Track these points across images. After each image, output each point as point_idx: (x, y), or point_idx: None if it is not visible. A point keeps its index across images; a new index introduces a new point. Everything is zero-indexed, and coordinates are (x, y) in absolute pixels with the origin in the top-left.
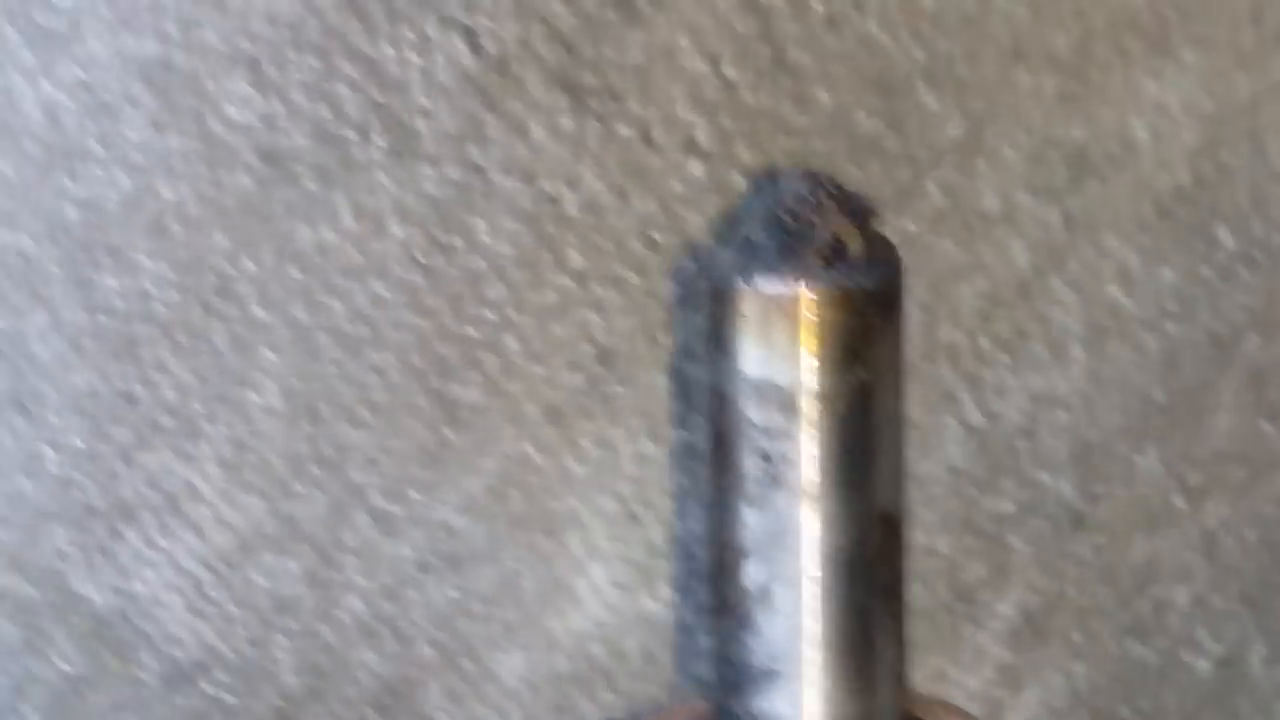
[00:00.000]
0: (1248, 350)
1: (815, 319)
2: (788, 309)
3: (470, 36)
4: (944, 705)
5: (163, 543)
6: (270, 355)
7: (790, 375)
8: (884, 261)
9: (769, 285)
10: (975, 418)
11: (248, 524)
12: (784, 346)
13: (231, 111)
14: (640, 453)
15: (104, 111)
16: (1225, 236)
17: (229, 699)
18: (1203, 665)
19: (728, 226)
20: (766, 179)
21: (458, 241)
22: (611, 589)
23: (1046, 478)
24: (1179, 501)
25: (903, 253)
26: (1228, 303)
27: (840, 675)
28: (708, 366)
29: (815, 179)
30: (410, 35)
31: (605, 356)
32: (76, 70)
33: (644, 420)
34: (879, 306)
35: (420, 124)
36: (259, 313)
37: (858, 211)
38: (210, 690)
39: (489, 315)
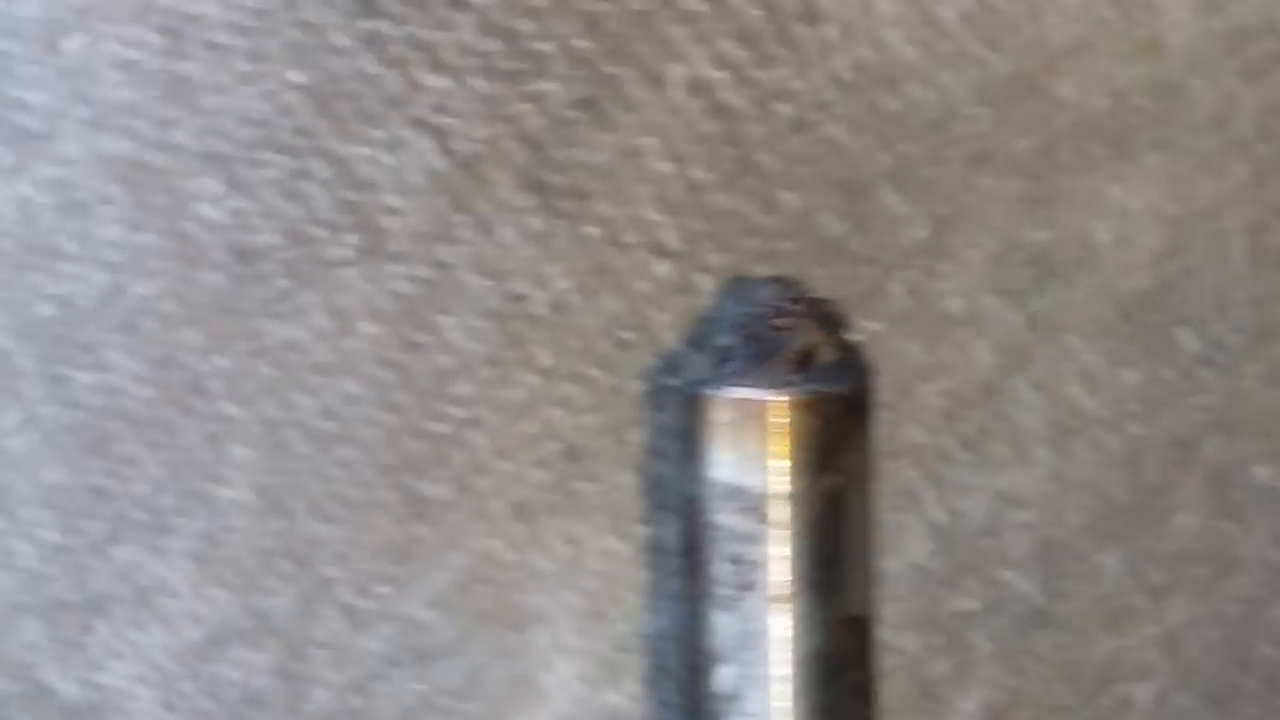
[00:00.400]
0: (1209, 451)
1: (786, 425)
2: (758, 415)
3: (440, 137)
4: None
5: (133, 636)
6: (241, 451)
7: (760, 480)
8: (854, 368)
9: (740, 392)
10: (939, 515)
11: (218, 617)
12: (754, 452)
13: (204, 210)
14: (607, 549)
15: (78, 209)
16: (1187, 339)
17: None
18: None
19: (698, 331)
20: (737, 285)
21: (427, 339)
22: (578, 684)
23: (1009, 575)
24: (1141, 600)
25: (868, 352)
26: (1189, 404)
27: None
28: (677, 471)
29: (786, 286)
30: (380, 136)
31: (572, 453)
32: (52, 169)
33: (611, 517)
34: (849, 412)
35: (390, 223)
36: (230, 409)
37: (828, 318)
38: None
39: (457, 412)
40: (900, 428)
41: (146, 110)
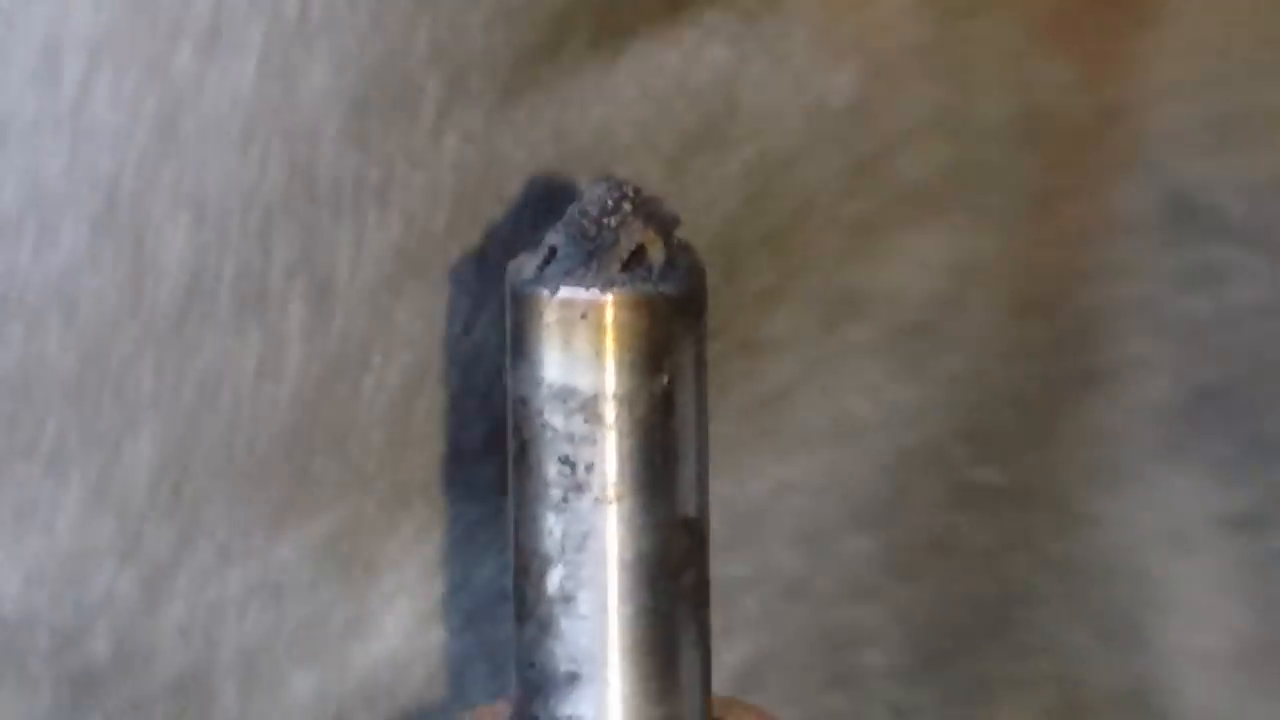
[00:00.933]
0: (955, 456)
1: (616, 325)
2: (589, 315)
3: (408, 220)
4: (745, 706)
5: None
6: (151, 415)
7: (590, 381)
8: (685, 268)
9: (568, 291)
10: (729, 491)
11: (103, 540)
12: (583, 352)
13: (167, 234)
14: (464, 512)
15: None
16: (952, 361)
17: None
18: None
19: (533, 233)
20: (570, 189)
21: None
22: (413, 621)
23: (778, 549)
24: (883, 580)
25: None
26: (943, 416)
27: (644, 679)
28: (510, 374)
29: (618, 186)
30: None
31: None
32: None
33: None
34: (679, 312)
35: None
36: (148, 382)
37: (659, 218)
38: None
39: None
40: (712, 422)
41: (130, 137)
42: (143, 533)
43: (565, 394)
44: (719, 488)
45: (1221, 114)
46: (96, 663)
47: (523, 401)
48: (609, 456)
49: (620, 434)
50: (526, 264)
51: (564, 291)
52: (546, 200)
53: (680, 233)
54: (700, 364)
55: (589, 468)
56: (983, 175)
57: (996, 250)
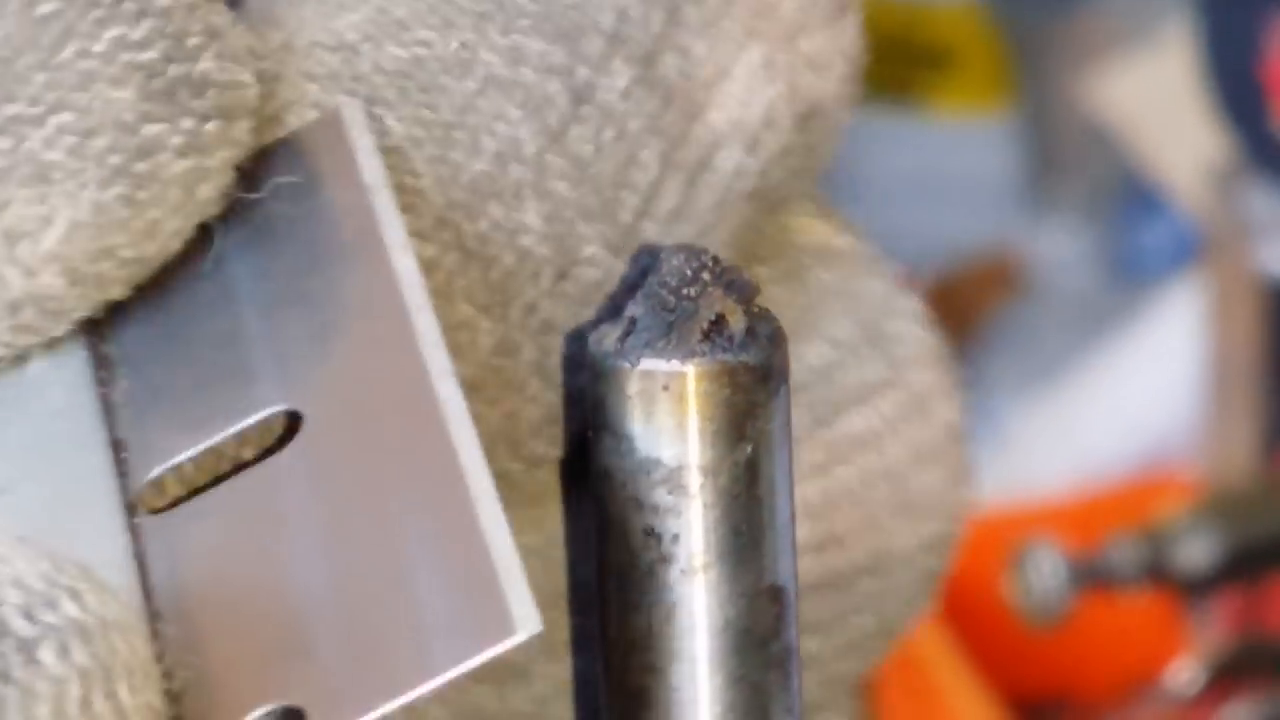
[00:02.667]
0: None
1: (698, 395)
2: (671, 387)
3: None
4: None
5: None
6: None
7: (675, 452)
8: (765, 335)
9: (651, 364)
10: None
11: None
12: (668, 424)
13: None
14: None
15: None
16: None
17: None
18: None
19: (607, 303)
20: (644, 254)
21: None
22: None
23: None
24: None
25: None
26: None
27: None
28: (592, 446)
29: (696, 256)
30: None
31: None
32: None
33: None
34: (760, 381)
35: None
36: None
37: (738, 286)
38: None
39: None
40: None
41: None
42: None
43: (649, 466)
44: None
45: None
46: None
47: (606, 474)
48: (694, 527)
49: (705, 504)
50: (606, 336)
51: (645, 363)
52: None
53: (760, 300)
54: (784, 431)
55: (675, 539)
56: None
57: None
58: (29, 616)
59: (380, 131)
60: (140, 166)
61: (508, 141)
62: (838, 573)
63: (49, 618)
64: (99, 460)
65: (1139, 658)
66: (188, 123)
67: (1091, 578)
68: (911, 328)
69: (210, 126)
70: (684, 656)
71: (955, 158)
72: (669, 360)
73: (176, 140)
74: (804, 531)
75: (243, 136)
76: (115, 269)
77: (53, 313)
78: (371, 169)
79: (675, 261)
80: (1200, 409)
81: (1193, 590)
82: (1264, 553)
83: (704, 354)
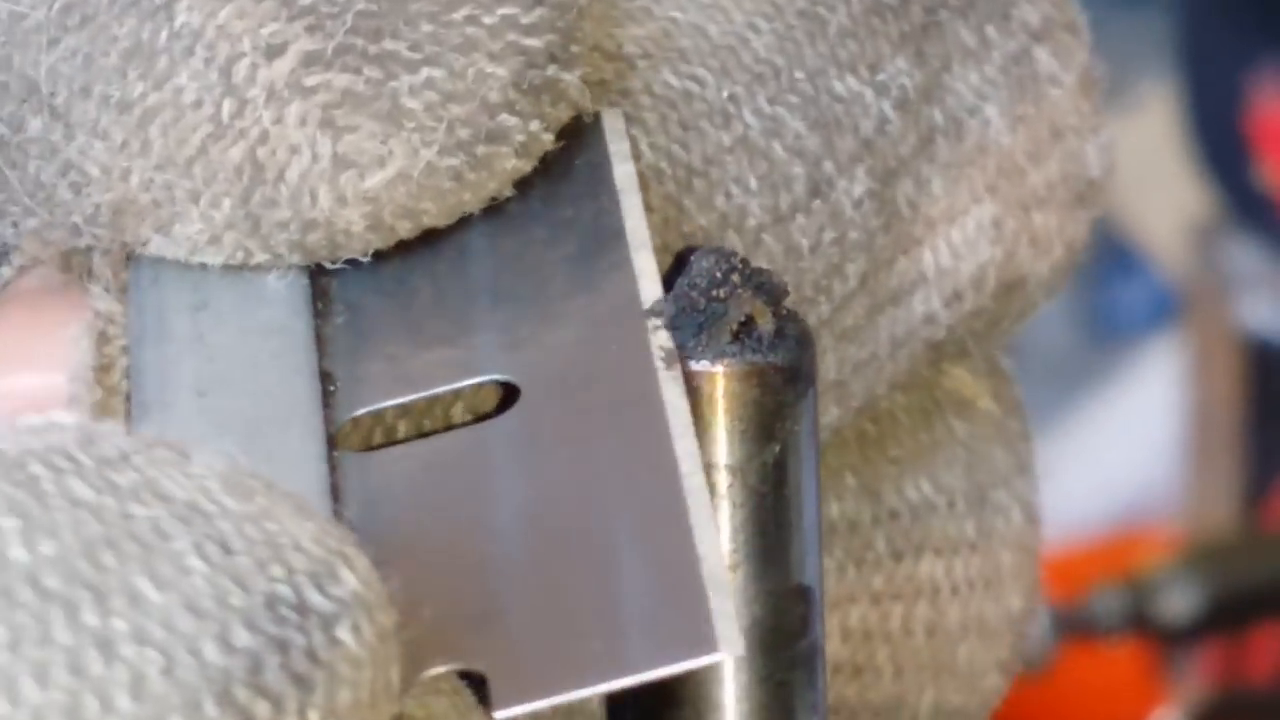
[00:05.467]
0: None
1: (727, 396)
2: (700, 386)
3: None
4: None
5: None
6: None
7: (704, 452)
8: (793, 337)
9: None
10: None
11: None
12: (697, 424)
13: None
14: None
15: None
16: None
17: None
18: None
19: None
20: (680, 259)
21: None
22: None
23: None
24: None
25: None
26: None
27: None
28: None
29: (726, 258)
30: None
31: None
32: None
33: None
34: (789, 382)
35: None
36: None
37: (767, 288)
38: None
39: None
40: None
41: None
42: None
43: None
44: None
45: None
46: None
47: None
48: (722, 526)
49: (733, 504)
50: None
51: None
52: None
53: (789, 302)
54: (811, 432)
55: None
56: None
57: None
58: (321, 589)
59: (632, 152)
60: (482, 150)
61: (736, 208)
62: (849, 703)
63: (337, 591)
64: (305, 386)
65: (1121, 707)
66: (535, 125)
67: (1074, 627)
68: (1016, 508)
69: (547, 136)
70: None
71: None
72: (699, 361)
73: (520, 138)
74: (833, 650)
75: (549, 148)
76: (409, 230)
77: (336, 246)
78: (625, 174)
79: (705, 263)
80: (1181, 462)
81: (1175, 640)
82: (1245, 604)
83: (733, 355)
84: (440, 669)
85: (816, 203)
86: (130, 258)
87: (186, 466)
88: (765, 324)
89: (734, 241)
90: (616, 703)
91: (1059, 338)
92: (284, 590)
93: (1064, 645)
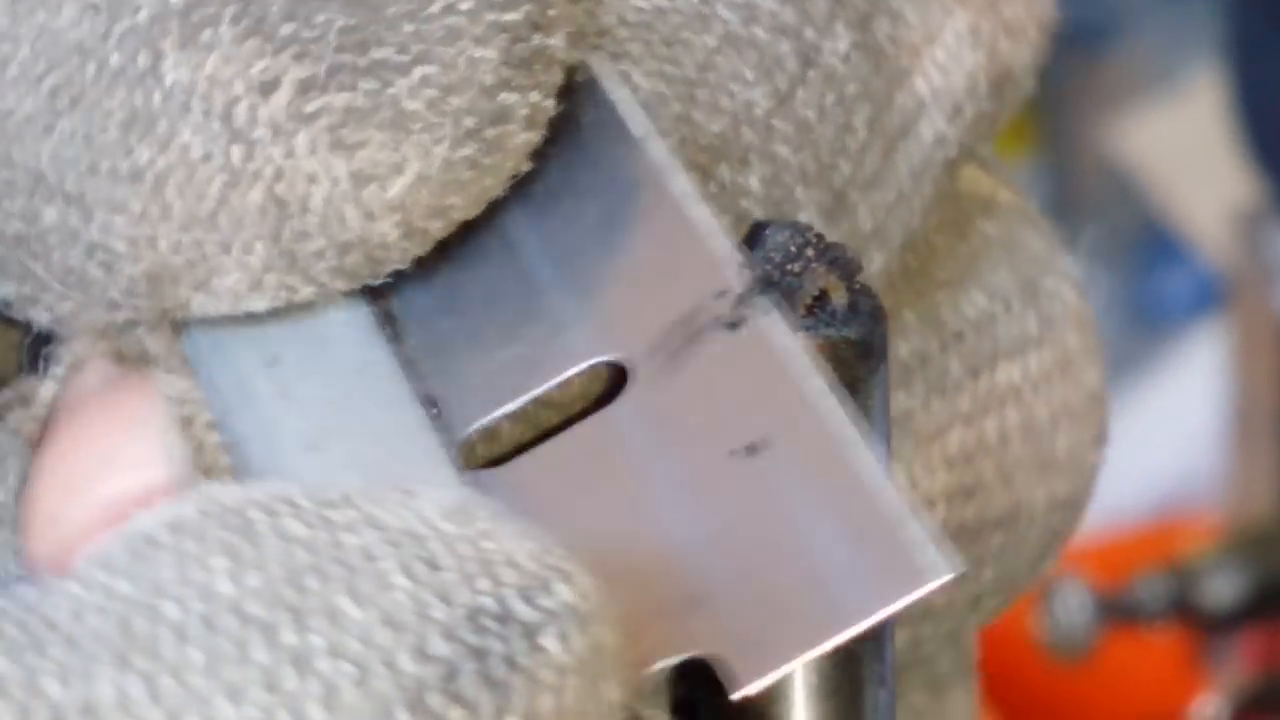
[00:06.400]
0: None
1: None
2: None
3: None
4: None
5: None
6: None
7: None
8: (867, 312)
9: None
10: None
11: None
12: None
13: None
14: None
15: None
16: None
17: None
18: None
19: None
20: (750, 231)
21: None
22: None
23: None
24: None
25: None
26: None
27: (830, 718)
28: None
29: (800, 232)
30: None
31: None
32: None
33: None
34: (863, 356)
35: None
36: None
37: (841, 263)
38: None
39: None
40: None
41: None
42: None
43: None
44: None
45: None
46: None
47: None
48: None
49: None
50: None
51: None
52: None
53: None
54: (884, 406)
55: None
56: None
57: None
58: (529, 600)
59: (630, 85)
60: (491, 132)
61: (742, 103)
62: (970, 525)
63: (547, 602)
64: (412, 416)
65: (1164, 693)
66: (535, 96)
67: (1118, 613)
68: (1066, 287)
69: (548, 104)
70: None
71: None
72: None
73: (524, 112)
74: (941, 481)
75: (553, 113)
76: (442, 229)
77: (376, 261)
78: (637, 121)
79: (780, 237)
80: (1224, 449)
81: (1217, 627)
82: None
83: (807, 329)
84: (669, 661)
85: (810, 72)
86: (181, 329)
87: (410, 500)
88: (839, 298)
89: (748, 136)
90: (688, 676)
91: (1103, 325)
92: (488, 603)
93: (1107, 631)
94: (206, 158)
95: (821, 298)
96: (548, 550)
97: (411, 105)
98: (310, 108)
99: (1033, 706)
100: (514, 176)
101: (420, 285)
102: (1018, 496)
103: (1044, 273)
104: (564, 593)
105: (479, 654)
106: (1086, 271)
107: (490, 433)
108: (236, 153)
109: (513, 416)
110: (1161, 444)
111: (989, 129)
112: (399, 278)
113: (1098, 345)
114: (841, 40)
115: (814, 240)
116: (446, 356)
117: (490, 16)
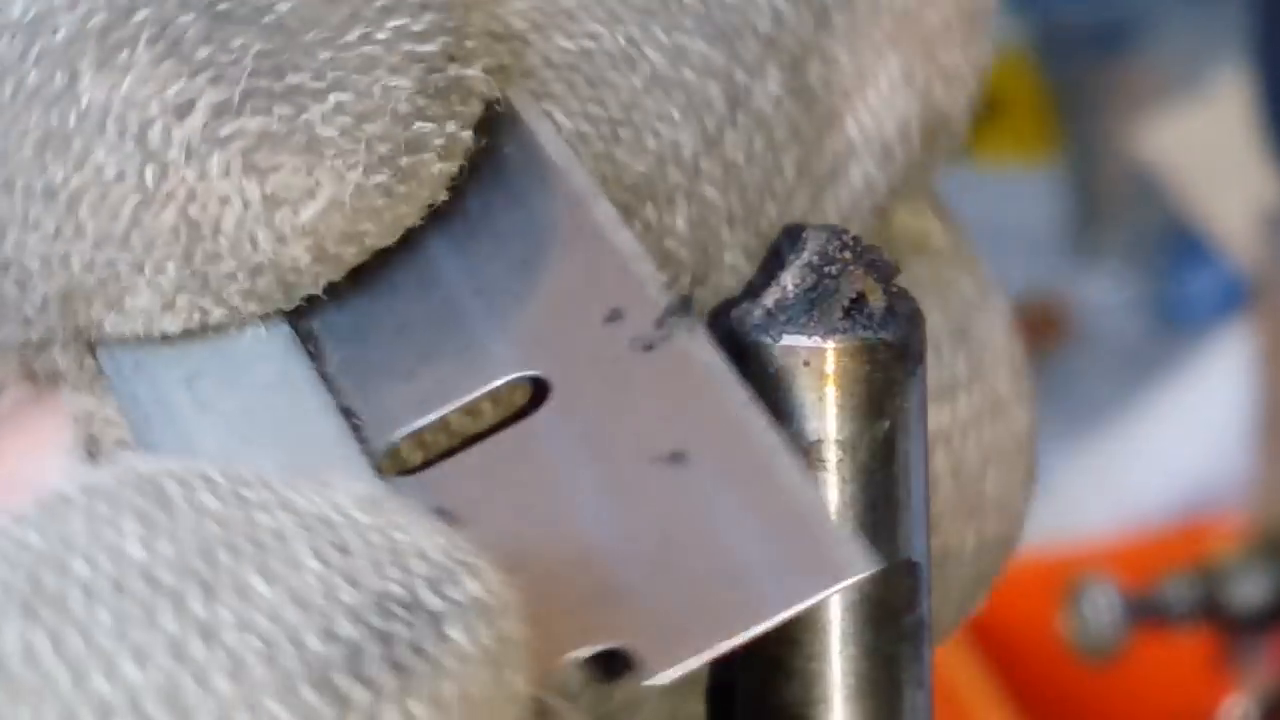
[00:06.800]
0: None
1: (838, 371)
2: (811, 362)
3: None
4: None
5: None
6: None
7: (814, 427)
8: (904, 314)
9: (791, 339)
10: None
11: None
12: (808, 398)
13: None
14: None
15: None
16: None
17: None
18: None
19: (751, 284)
20: (788, 234)
21: None
22: None
23: None
24: None
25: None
26: None
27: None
28: None
29: (837, 235)
30: None
31: None
32: None
33: None
34: (899, 358)
35: None
36: None
37: (878, 266)
38: None
39: None
40: None
41: None
42: None
43: (788, 440)
44: None
45: None
46: None
47: None
48: (832, 501)
49: (843, 479)
50: (749, 313)
51: (786, 339)
52: None
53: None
54: (921, 409)
55: None
56: None
57: None
58: (437, 591)
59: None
60: (405, 161)
61: (669, 144)
62: None
63: (454, 594)
64: (332, 427)
65: (1191, 695)
66: (451, 126)
67: (1146, 614)
68: (996, 330)
69: (465, 135)
70: (819, 627)
71: (1002, 205)
72: (810, 336)
73: (439, 142)
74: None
75: (471, 145)
76: (355, 254)
77: (288, 285)
78: (559, 151)
79: (818, 241)
80: (1251, 451)
81: (1245, 628)
82: None
83: (845, 331)
84: (582, 652)
85: (740, 114)
86: (98, 348)
87: (324, 488)
88: (876, 301)
89: (674, 176)
90: (723, 679)
91: (1129, 327)
92: (397, 590)
93: (1135, 633)
94: (120, 177)
95: (859, 300)
96: (456, 545)
97: (325, 131)
98: (225, 131)
99: (1060, 708)
100: (431, 206)
101: (339, 307)
102: (945, 539)
103: (974, 314)
104: (471, 586)
105: (385, 638)
106: (1113, 273)
107: (411, 442)
108: (150, 173)
109: (433, 428)
110: (1188, 445)
111: (922, 174)
112: (318, 300)
113: (1028, 387)
114: (772, 82)
115: (851, 243)
116: (366, 374)
117: (406, 46)
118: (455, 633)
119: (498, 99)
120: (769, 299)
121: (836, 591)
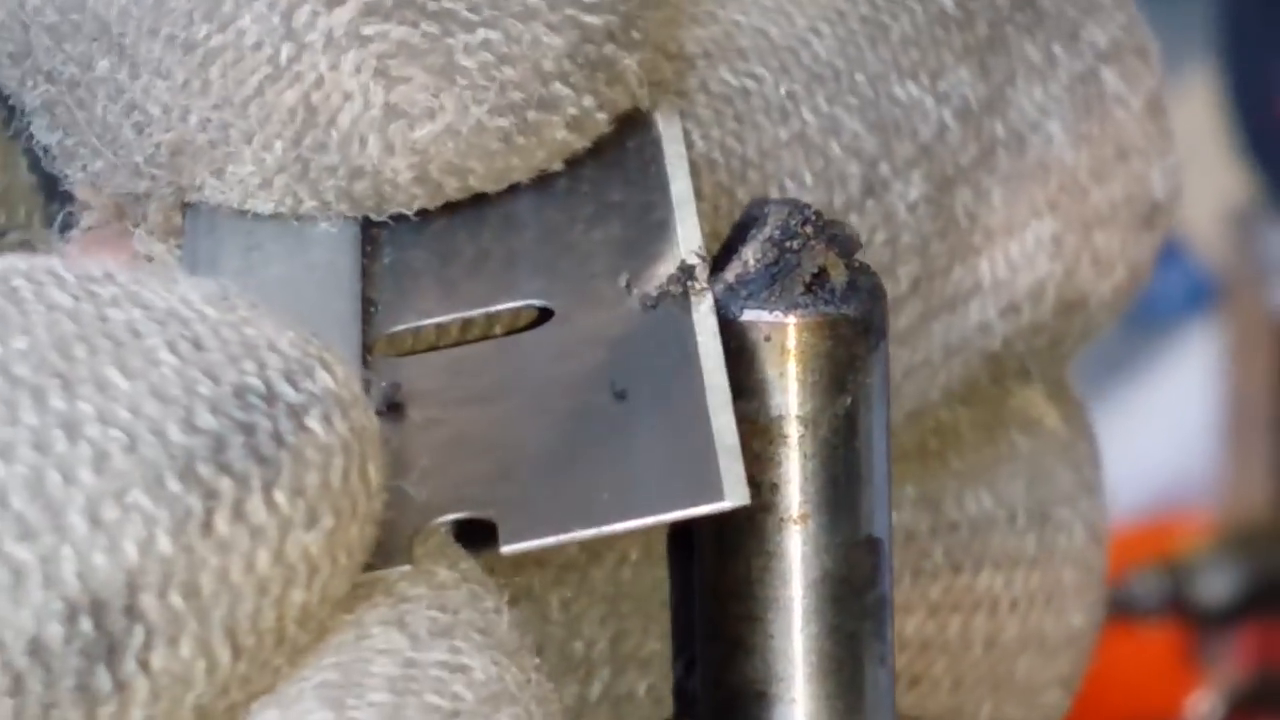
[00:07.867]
0: None
1: (800, 346)
2: (773, 337)
3: None
4: None
5: None
6: None
7: (776, 402)
8: (866, 289)
9: (754, 314)
10: None
11: None
12: (769, 374)
13: None
14: None
15: None
16: None
17: None
18: None
19: (717, 257)
20: (750, 209)
21: None
22: None
23: None
24: None
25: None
26: None
27: (830, 697)
28: None
29: (799, 210)
30: None
31: None
32: None
33: None
34: (862, 334)
35: None
36: None
37: (840, 240)
38: None
39: None
40: None
41: None
42: None
43: (749, 415)
44: None
45: None
46: None
47: None
48: (794, 477)
49: (805, 455)
50: (711, 286)
51: (747, 314)
52: None
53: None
54: (883, 384)
55: (774, 488)
56: None
57: None
58: (293, 383)
59: (685, 142)
60: (532, 115)
61: None
62: (906, 714)
63: (310, 386)
64: (346, 307)
65: (1158, 689)
66: (588, 101)
67: (1113, 610)
68: (1080, 526)
69: (600, 116)
70: (781, 605)
71: None
72: (771, 311)
73: (572, 111)
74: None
75: (603, 130)
76: (456, 189)
77: (382, 196)
78: (677, 162)
79: (780, 215)
80: (1218, 447)
81: (1211, 623)
82: None
83: (806, 306)
84: (450, 517)
85: (870, 202)
86: (186, 206)
87: (172, 284)
88: (838, 276)
89: None
90: (687, 654)
91: None
92: (254, 382)
93: (1102, 627)
94: (257, 46)
95: (820, 275)
96: (307, 339)
97: (464, 60)
98: (368, 30)
99: None
100: (542, 170)
101: (413, 227)
102: (961, 703)
103: (1061, 503)
104: (325, 379)
105: (247, 429)
106: None
107: (412, 338)
108: (286, 50)
109: (439, 329)
110: (1156, 441)
111: (1050, 348)
112: (400, 220)
113: (1097, 602)
114: (914, 189)
115: (813, 218)
116: (403, 274)
117: (570, 10)
118: (314, 423)
119: (645, 104)
120: (730, 273)
121: (701, 514)
